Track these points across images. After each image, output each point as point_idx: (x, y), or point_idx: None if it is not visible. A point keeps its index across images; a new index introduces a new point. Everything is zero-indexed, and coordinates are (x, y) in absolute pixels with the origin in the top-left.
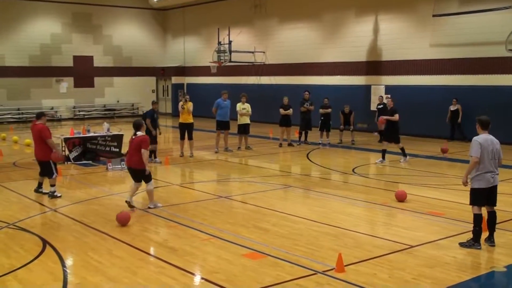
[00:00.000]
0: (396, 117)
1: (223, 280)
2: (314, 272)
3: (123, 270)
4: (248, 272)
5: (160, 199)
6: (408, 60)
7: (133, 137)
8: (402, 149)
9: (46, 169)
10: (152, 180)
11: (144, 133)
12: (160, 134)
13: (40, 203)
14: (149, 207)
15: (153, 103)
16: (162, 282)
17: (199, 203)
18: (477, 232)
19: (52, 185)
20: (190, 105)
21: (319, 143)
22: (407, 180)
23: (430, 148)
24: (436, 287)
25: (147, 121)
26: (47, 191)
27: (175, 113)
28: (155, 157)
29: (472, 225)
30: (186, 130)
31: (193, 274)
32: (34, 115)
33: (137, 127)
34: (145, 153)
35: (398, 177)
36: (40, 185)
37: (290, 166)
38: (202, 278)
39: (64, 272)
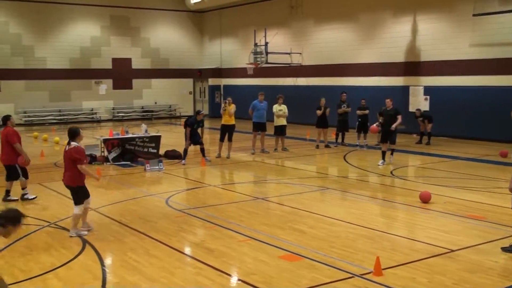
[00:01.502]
0: (399, 118)
1: (260, 282)
2: (351, 275)
3: (160, 270)
4: (285, 274)
5: (197, 200)
6: (447, 61)
7: (67, 147)
8: (393, 151)
9: (13, 173)
10: (83, 205)
11: (78, 143)
12: (203, 144)
13: None
14: (70, 236)
15: (198, 113)
16: (199, 282)
17: (235, 204)
18: None
19: (23, 188)
20: (231, 108)
21: (357, 145)
22: (447, 183)
23: (470, 150)
24: None
25: (187, 129)
26: (16, 198)
27: (212, 115)
28: (204, 156)
29: None
30: (227, 132)
31: (229, 275)
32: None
33: (71, 135)
34: (82, 167)
35: (437, 179)
36: (7, 192)
37: (327, 167)
38: (239, 280)
39: (103, 271)
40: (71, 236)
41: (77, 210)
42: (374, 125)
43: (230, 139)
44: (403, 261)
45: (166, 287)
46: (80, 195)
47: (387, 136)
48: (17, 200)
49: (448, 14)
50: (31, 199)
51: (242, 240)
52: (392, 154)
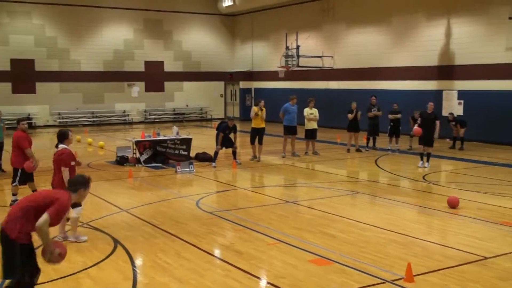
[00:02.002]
0: (437, 124)
1: (288, 285)
2: (382, 281)
3: (190, 271)
4: (314, 278)
5: (227, 203)
6: (482, 65)
7: (56, 150)
8: (429, 155)
9: (13, 176)
10: (80, 208)
11: (66, 146)
12: (236, 148)
13: (112, 204)
14: (69, 240)
15: (230, 119)
16: (228, 285)
17: (265, 207)
18: None
19: (14, 194)
20: (264, 113)
21: (388, 149)
22: (480, 188)
23: (506, 155)
24: None
25: (220, 135)
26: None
27: (242, 117)
28: (235, 158)
29: None
30: (257, 135)
31: (258, 278)
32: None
33: (60, 138)
34: (65, 171)
35: (471, 185)
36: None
37: (358, 172)
38: (268, 283)
39: (134, 271)
40: (70, 240)
41: (74, 213)
42: (417, 126)
43: (260, 142)
44: (435, 268)
45: None
46: None
47: (426, 139)
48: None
49: (483, 17)
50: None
51: (271, 243)
52: (428, 158)
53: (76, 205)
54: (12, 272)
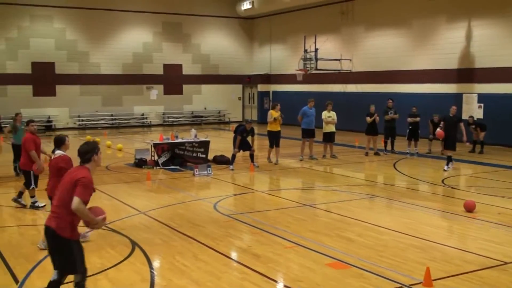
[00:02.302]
0: (461, 126)
1: None
2: (400, 285)
3: (207, 274)
4: (331, 281)
5: (245, 206)
6: (503, 68)
7: (52, 156)
8: (450, 158)
9: (26, 179)
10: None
11: (63, 152)
12: (254, 151)
13: (130, 206)
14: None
15: (248, 122)
16: None
17: (283, 210)
18: None
19: (32, 196)
20: (281, 118)
21: (407, 153)
22: (500, 193)
23: None
24: None
25: (238, 138)
26: (25, 204)
27: (260, 120)
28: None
29: None
30: (275, 138)
31: (275, 281)
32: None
33: (57, 143)
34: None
35: (490, 189)
36: (20, 194)
37: (376, 175)
38: (285, 286)
39: (152, 273)
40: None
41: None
42: (439, 129)
43: (277, 145)
44: (454, 273)
45: None
46: None
47: (448, 142)
48: (26, 206)
49: (504, 19)
50: (41, 207)
51: (288, 246)
52: (449, 161)
53: None
54: (76, 267)
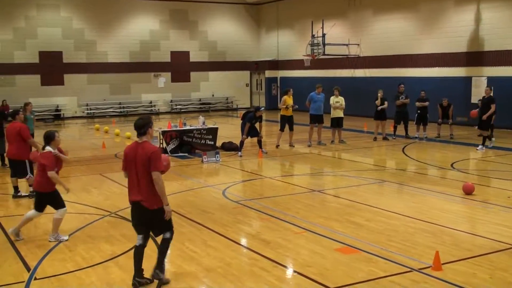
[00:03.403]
0: (492, 107)
1: (315, 274)
2: (409, 270)
3: (217, 260)
4: (341, 266)
5: (253, 192)
6: None
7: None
8: (484, 139)
9: (20, 169)
10: (65, 209)
11: (52, 149)
12: (261, 137)
13: None
14: (49, 240)
15: (258, 109)
16: (255, 273)
17: (292, 196)
18: None
19: (31, 185)
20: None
21: (416, 137)
22: (510, 176)
23: None
24: None
25: (246, 125)
26: (26, 194)
27: (268, 107)
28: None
29: None
30: (288, 122)
31: (285, 266)
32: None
33: (46, 140)
34: (52, 175)
35: (500, 173)
36: (16, 189)
37: (385, 160)
38: (295, 271)
39: None
40: (50, 241)
41: (57, 215)
42: (475, 110)
43: (292, 129)
44: (463, 256)
45: (222, 277)
46: (50, 202)
47: (482, 123)
48: (28, 195)
49: None
50: (24, 195)
51: (298, 232)
52: (484, 141)
53: (60, 206)
54: (168, 227)
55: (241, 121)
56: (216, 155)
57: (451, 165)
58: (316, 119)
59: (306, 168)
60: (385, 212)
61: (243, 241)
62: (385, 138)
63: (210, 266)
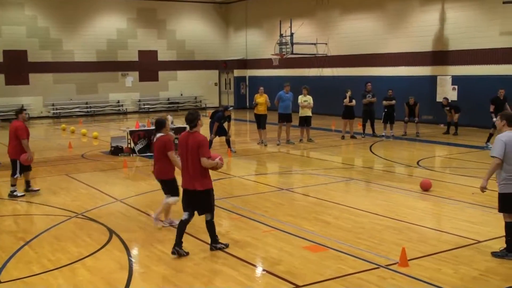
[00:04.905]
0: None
1: (284, 272)
2: (377, 266)
3: (186, 260)
4: (309, 264)
5: (223, 191)
6: (476, 50)
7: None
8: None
9: (12, 168)
10: (177, 198)
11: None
12: (230, 137)
13: (107, 194)
14: (163, 226)
15: (227, 109)
16: (225, 273)
17: (260, 195)
18: (510, 243)
19: (13, 185)
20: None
21: (383, 136)
22: (475, 173)
23: None
24: (505, 284)
25: (215, 124)
26: (37, 188)
27: (237, 106)
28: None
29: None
30: (260, 120)
31: (254, 265)
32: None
33: (157, 125)
34: (172, 157)
35: (465, 170)
36: (28, 183)
37: (352, 158)
38: (264, 270)
39: (130, 261)
40: (164, 226)
41: (170, 199)
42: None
43: (264, 127)
44: (429, 252)
45: (192, 277)
46: (168, 188)
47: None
48: (39, 190)
49: (478, 2)
50: (20, 195)
51: (267, 230)
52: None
53: (175, 194)
54: (209, 209)
55: (209, 120)
56: None
57: (417, 163)
58: (285, 118)
59: (275, 166)
60: (353, 209)
61: None
62: (352, 137)
63: (179, 266)
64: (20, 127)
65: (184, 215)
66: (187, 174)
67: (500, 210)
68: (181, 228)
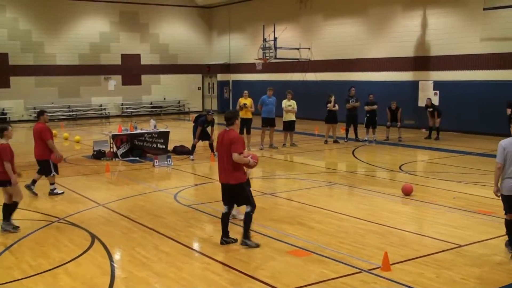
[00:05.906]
0: None
1: (267, 277)
2: (359, 270)
3: (169, 265)
4: (293, 269)
5: (206, 196)
6: (457, 55)
7: None
8: None
9: (45, 168)
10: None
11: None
12: (213, 141)
13: (89, 199)
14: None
15: (209, 113)
16: (207, 277)
17: None
18: None
19: (52, 183)
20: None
21: (365, 140)
22: (456, 178)
23: (481, 145)
24: None
25: (198, 129)
26: (36, 192)
27: (221, 110)
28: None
29: None
30: (245, 125)
31: (237, 270)
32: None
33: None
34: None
35: (447, 174)
36: (34, 181)
37: (335, 163)
38: (247, 275)
39: (112, 266)
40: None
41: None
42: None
43: (248, 132)
44: (411, 256)
45: (174, 282)
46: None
47: None
48: (37, 194)
49: (459, 8)
50: (60, 193)
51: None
52: None
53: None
54: (248, 201)
55: (193, 125)
56: (168, 159)
57: (400, 167)
58: (268, 122)
59: (258, 171)
60: (336, 214)
61: (195, 245)
62: (335, 141)
63: (161, 271)
64: (43, 129)
65: (225, 208)
66: (222, 169)
67: (506, 211)
68: (224, 220)
